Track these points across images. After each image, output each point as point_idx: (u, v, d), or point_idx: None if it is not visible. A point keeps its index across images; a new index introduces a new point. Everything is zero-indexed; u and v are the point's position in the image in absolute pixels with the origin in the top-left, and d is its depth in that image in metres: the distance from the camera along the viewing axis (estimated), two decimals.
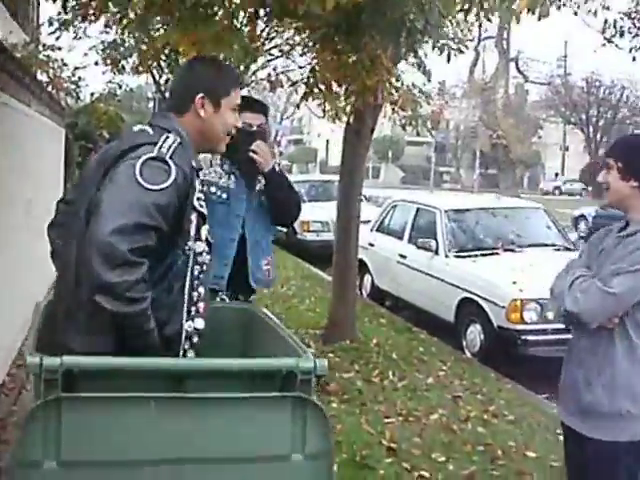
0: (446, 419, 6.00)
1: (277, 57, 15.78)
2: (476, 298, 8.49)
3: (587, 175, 50.86)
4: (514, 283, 8.15)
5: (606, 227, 3.34)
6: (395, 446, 5.28)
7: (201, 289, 2.70)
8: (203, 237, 2.69)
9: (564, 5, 9.88)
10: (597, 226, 23.36)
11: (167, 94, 3.14)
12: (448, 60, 6.66)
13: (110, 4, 5.81)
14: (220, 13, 5.49)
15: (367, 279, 11.41)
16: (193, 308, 2.66)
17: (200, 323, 2.69)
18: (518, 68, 40.27)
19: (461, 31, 8.10)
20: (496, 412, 6.26)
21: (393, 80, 6.81)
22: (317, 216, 16.24)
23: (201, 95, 2.75)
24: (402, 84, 7.14)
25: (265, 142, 4.41)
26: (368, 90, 6.28)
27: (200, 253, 2.67)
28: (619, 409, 3.02)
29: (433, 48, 6.54)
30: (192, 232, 2.62)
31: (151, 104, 32.22)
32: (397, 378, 7.05)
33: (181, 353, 2.63)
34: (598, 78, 53.04)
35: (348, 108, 7.17)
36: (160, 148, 2.53)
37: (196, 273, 2.66)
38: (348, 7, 4.89)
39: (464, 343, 8.70)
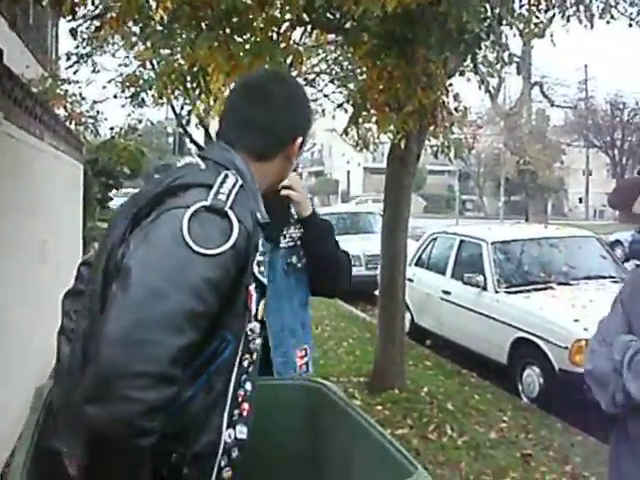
0: None
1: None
2: (533, 338, 7.75)
3: (615, 198, 49.92)
4: (576, 321, 7.40)
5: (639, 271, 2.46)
6: None
7: (248, 385, 1.92)
8: (260, 315, 1.91)
9: (613, 18, 9.17)
10: (635, 252, 22.66)
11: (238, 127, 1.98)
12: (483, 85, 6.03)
13: (130, 14, 5.08)
14: (259, 20, 4.78)
15: (406, 316, 10.66)
16: (236, 411, 1.88)
17: (243, 431, 1.90)
18: (543, 92, 39.52)
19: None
20: (575, 474, 5.50)
21: (451, 99, 6.09)
22: (347, 250, 15.49)
23: (301, 139, 2.12)
24: (460, 103, 6.39)
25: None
26: (424, 110, 5.56)
27: (254, 338, 1.91)
28: None
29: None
30: (253, 309, 1.86)
31: (171, 139, 31.82)
32: (456, 433, 6.31)
33: (214, 473, 1.85)
34: (622, 101, 52.55)
35: (390, 133, 6.51)
36: (217, 194, 1.77)
37: (245, 364, 1.88)
38: (408, 8, 4.17)
39: (520, 387, 7.95)
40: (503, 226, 13.73)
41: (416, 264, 10.74)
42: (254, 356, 1.92)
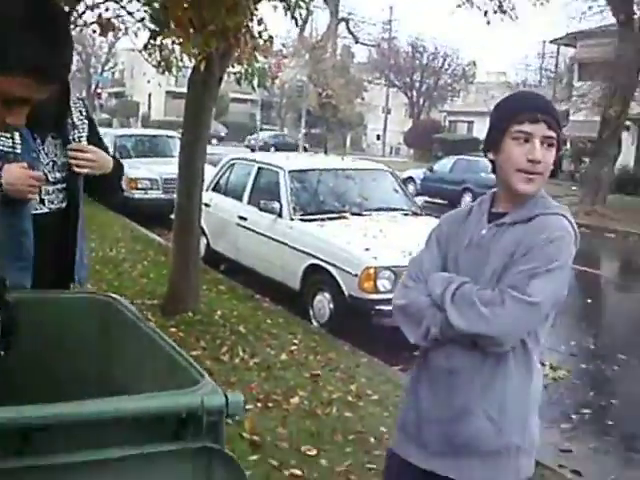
0: (308, 403, 5.44)
1: (105, 0, 14.69)
2: (325, 265, 7.98)
3: (411, 138, 51.85)
4: (367, 250, 7.70)
5: (455, 211, 2.59)
6: (259, 439, 4.67)
7: None
8: None
9: None
10: (426, 189, 23.79)
11: None
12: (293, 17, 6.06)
13: None
14: None
15: (202, 241, 10.64)
16: None
17: None
18: (349, 29, 40.23)
19: None
20: (359, 392, 5.79)
21: (255, 24, 6.05)
22: (145, 173, 15.26)
23: None
24: (266, 30, 6.33)
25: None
26: (229, 32, 5.49)
27: None
28: (506, 444, 2.31)
29: None
30: None
31: None
32: (248, 355, 6.44)
33: None
34: (422, 44, 54.43)
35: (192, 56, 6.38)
36: None
37: None
38: None
39: (311, 312, 8.21)
40: (301, 155, 13.90)
41: (213, 189, 10.70)
42: None
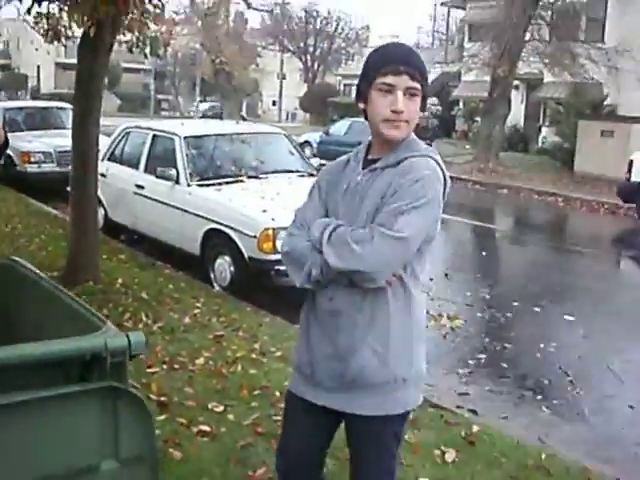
0: (213, 362, 5.54)
1: None
2: (224, 229, 8.03)
3: (306, 102, 51.91)
4: (264, 211, 7.79)
5: (335, 161, 2.75)
6: (166, 399, 4.75)
7: None
8: None
9: None
10: (322, 152, 24.03)
11: None
12: None
13: None
14: None
15: (100, 212, 10.52)
16: None
17: None
18: None
19: None
20: (263, 349, 5.91)
21: None
22: (38, 146, 14.88)
23: None
24: None
25: None
26: None
27: None
28: (393, 376, 2.50)
29: None
30: None
31: None
32: (151, 320, 6.48)
33: None
34: (316, 9, 54.66)
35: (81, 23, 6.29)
36: None
37: None
38: None
39: (212, 276, 8.27)
40: (196, 122, 13.81)
41: (109, 159, 10.57)
42: None
